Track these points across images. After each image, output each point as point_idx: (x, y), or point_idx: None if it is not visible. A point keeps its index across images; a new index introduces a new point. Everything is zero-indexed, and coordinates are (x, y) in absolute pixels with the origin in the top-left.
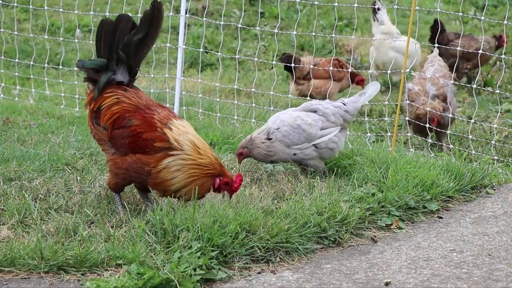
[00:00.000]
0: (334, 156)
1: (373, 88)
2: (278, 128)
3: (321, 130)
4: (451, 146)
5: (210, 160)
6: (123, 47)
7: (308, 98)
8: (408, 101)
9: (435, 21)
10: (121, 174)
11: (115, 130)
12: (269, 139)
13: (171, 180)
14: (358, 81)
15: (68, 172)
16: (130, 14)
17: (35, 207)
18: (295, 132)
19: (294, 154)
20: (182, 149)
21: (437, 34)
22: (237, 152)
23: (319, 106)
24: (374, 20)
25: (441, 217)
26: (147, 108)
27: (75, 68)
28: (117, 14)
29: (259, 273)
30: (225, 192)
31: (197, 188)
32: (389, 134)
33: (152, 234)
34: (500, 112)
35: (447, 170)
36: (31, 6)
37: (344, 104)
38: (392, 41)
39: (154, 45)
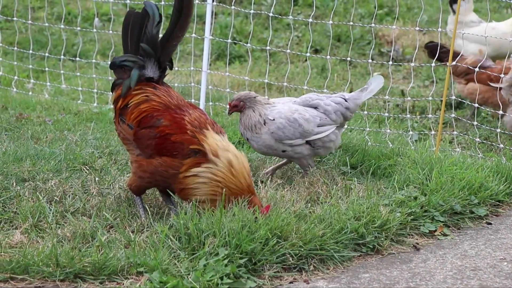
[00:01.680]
0: (331, 153)
1: (376, 83)
2: (274, 120)
3: (318, 127)
4: (501, 145)
5: (241, 185)
6: (148, 40)
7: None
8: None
9: None
10: (146, 177)
11: (142, 129)
12: (260, 126)
13: (194, 189)
14: None
15: (85, 172)
16: (154, 2)
17: (50, 210)
18: (291, 126)
19: (283, 151)
20: (216, 163)
21: None
22: (232, 102)
23: (320, 102)
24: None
25: (490, 223)
26: (177, 108)
27: (93, 61)
28: (139, 3)
29: (291, 282)
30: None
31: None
32: (433, 132)
33: (176, 240)
34: None
35: (496, 171)
36: None
37: (346, 100)
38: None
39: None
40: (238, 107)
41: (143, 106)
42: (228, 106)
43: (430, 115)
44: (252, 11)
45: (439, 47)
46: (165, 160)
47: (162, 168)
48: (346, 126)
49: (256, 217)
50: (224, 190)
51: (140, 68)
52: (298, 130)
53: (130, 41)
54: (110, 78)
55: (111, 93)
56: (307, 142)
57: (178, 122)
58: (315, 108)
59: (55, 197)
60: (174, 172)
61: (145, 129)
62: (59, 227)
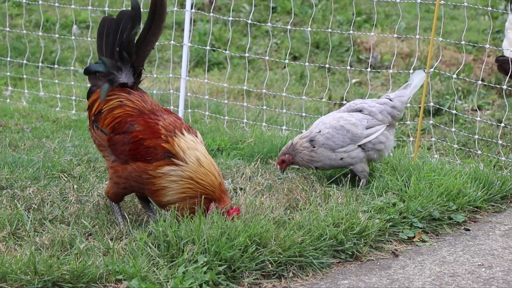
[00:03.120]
0: (383, 157)
1: (418, 78)
2: (320, 131)
3: (366, 129)
4: (479, 151)
5: (212, 182)
6: (124, 45)
7: None
8: None
9: None
10: (121, 183)
11: (116, 135)
12: (313, 146)
13: (165, 189)
14: None
15: (64, 180)
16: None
17: (28, 217)
18: (339, 133)
19: (341, 159)
20: (186, 162)
21: None
22: (279, 160)
23: (364, 105)
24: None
25: (468, 229)
26: (151, 113)
27: (71, 68)
28: (117, 10)
29: None
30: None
31: (187, 207)
32: (411, 139)
33: (155, 247)
34: None
35: (474, 178)
36: (24, 0)
37: (391, 100)
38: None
39: (157, 42)
40: (286, 161)
41: (116, 112)
42: (278, 166)
43: (408, 122)
44: (230, 18)
45: (511, 62)
46: (139, 165)
47: (136, 174)
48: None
49: (235, 224)
50: (196, 186)
51: (111, 80)
52: (347, 136)
53: (105, 46)
54: (88, 85)
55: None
56: (359, 146)
57: (152, 127)
58: (360, 111)
59: (33, 205)
60: (148, 177)
61: (119, 134)
62: (37, 235)
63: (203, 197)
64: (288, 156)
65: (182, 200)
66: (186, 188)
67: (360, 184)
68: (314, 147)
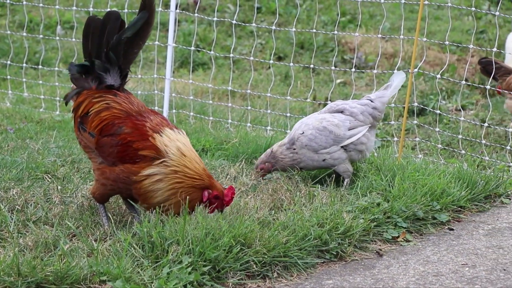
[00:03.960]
0: (365, 158)
1: (399, 79)
2: (303, 133)
3: (349, 130)
4: (463, 151)
5: (197, 170)
6: (112, 47)
7: None
8: None
9: None
10: (109, 185)
11: (104, 137)
12: (293, 148)
13: (152, 192)
14: None
15: (47, 181)
16: (116, 10)
17: (12, 219)
18: (322, 134)
19: (324, 160)
20: (167, 155)
21: None
22: (258, 168)
23: (345, 105)
24: None
25: (452, 229)
26: (138, 114)
27: (56, 68)
28: (102, 10)
29: None
30: (216, 206)
31: (182, 201)
32: (395, 139)
33: (139, 248)
34: None
35: (458, 178)
36: (8, 1)
37: (372, 101)
38: None
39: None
40: (265, 169)
41: (104, 114)
42: (256, 171)
43: (392, 122)
44: (215, 19)
45: (494, 63)
46: (128, 167)
47: (124, 175)
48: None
49: (220, 225)
50: (183, 179)
51: (98, 82)
52: (330, 137)
53: (91, 47)
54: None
55: (63, 99)
56: (342, 147)
57: (140, 129)
58: (341, 112)
59: (17, 206)
60: (136, 179)
61: (106, 137)
62: (21, 236)
63: (192, 188)
64: (268, 164)
65: (172, 197)
66: (173, 183)
67: (344, 184)
68: (294, 149)
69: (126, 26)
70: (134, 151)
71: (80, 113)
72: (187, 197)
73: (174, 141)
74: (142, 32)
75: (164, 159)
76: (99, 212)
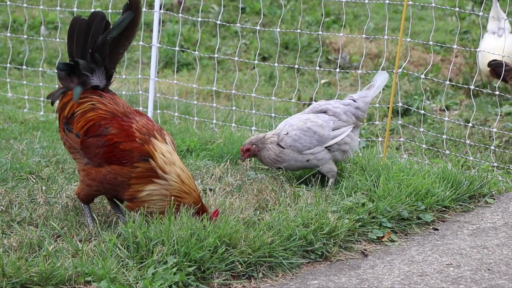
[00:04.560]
0: (349, 158)
1: (381, 79)
2: (288, 133)
3: (333, 130)
4: (447, 151)
5: (194, 197)
6: (98, 47)
7: None
8: None
9: None
10: (94, 186)
11: (89, 138)
12: (281, 147)
13: (149, 204)
14: None
15: (32, 181)
16: (101, 10)
17: None
18: (306, 135)
19: (308, 161)
20: (167, 180)
21: None
22: (244, 147)
23: (328, 106)
24: None
25: (437, 229)
26: (124, 115)
27: (40, 69)
28: (86, 11)
29: None
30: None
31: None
32: (380, 139)
33: (124, 249)
34: (500, 115)
35: (443, 178)
36: None
37: (354, 101)
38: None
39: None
40: (250, 151)
41: (89, 115)
42: (241, 152)
43: (377, 122)
44: (199, 19)
45: (504, 65)
46: (114, 168)
47: (111, 176)
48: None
49: (205, 225)
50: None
51: (83, 82)
52: (315, 138)
53: (76, 48)
54: (57, 86)
55: (46, 98)
56: (325, 147)
57: (126, 129)
58: (324, 112)
59: (1, 207)
60: (123, 180)
61: (92, 138)
62: (5, 237)
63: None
64: (254, 147)
65: (164, 208)
66: (169, 203)
67: (329, 184)
68: (283, 148)
69: (111, 26)
70: (121, 152)
71: (66, 114)
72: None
73: (172, 165)
74: (128, 32)
75: (164, 183)
76: (84, 213)
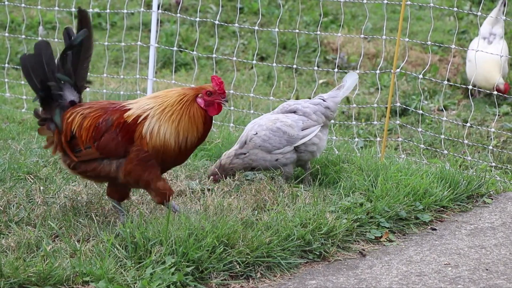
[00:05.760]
0: (315, 158)
1: (351, 79)
2: (257, 133)
3: (302, 130)
4: (445, 151)
5: (174, 93)
6: (60, 69)
7: None
8: None
9: None
10: (146, 170)
11: (101, 140)
12: (244, 153)
13: (162, 140)
14: None
15: (30, 181)
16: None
17: None
18: (275, 135)
19: (276, 160)
20: (145, 109)
21: None
22: (209, 177)
23: (298, 105)
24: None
25: (435, 229)
26: (111, 104)
27: None
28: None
29: None
30: (218, 104)
31: (192, 126)
32: (378, 139)
33: (122, 249)
34: (498, 115)
35: (441, 178)
36: None
37: (324, 101)
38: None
39: (124, 43)
40: (217, 179)
41: (85, 123)
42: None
43: (375, 122)
44: (197, 19)
45: None
46: (140, 143)
47: (143, 153)
48: (335, 138)
49: (203, 225)
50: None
51: (60, 106)
52: (284, 138)
53: (37, 81)
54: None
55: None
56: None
57: (122, 110)
58: (294, 112)
59: None
60: (148, 154)
61: (103, 137)
62: (3, 237)
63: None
64: (218, 176)
65: (178, 126)
66: (168, 116)
67: (279, 182)
68: (244, 153)
69: (66, 45)
70: (133, 124)
71: (66, 139)
72: (191, 119)
73: (139, 101)
74: (86, 45)
75: (147, 111)
76: (116, 209)
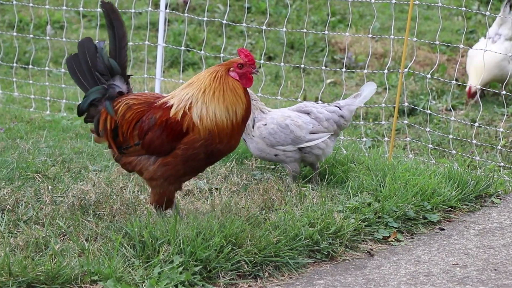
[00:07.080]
0: (320, 161)
1: (369, 89)
2: (266, 124)
3: (310, 134)
4: (454, 151)
5: (208, 73)
6: (113, 59)
7: None
8: None
9: None
10: (180, 170)
11: (145, 138)
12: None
13: (213, 120)
14: None
15: (38, 180)
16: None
17: (3, 219)
18: (282, 132)
19: (276, 155)
20: (186, 98)
21: None
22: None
23: (313, 108)
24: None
25: (443, 229)
26: (156, 98)
27: (46, 68)
28: (92, 10)
29: None
30: (251, 74)
31: (236, 98)
32: (386, 139)
33: (130, 248)
34: (506, 115)
35: (449, 177)
36: None
37: (340, 109)
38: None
39: (132, 43)
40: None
41: (128, 115)
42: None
43: (383, 122)
44: (205, 19)
45: None
46: (186, 141)
47: (192, 150)
48: (343, 137)
49: (211, 225)
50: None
51: (109, 97)
52: (290, 137)
53: (85, 81)
54: (63, 85)
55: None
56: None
57: (164, 107)
58: (308, 114)
59: (8, 206)
60: (201, 144)
61: (146, 136)
62: (11, 236)
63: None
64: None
65: (223, 102)
66: (211, 95)
67: (287, 182)
68: (253, 132)
69: (111, 38)
70: (177, 122)
71: (110, 127)
72: (233, 94)
73: (175, 93)
74: (119, 34)
75: (191, 102)
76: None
